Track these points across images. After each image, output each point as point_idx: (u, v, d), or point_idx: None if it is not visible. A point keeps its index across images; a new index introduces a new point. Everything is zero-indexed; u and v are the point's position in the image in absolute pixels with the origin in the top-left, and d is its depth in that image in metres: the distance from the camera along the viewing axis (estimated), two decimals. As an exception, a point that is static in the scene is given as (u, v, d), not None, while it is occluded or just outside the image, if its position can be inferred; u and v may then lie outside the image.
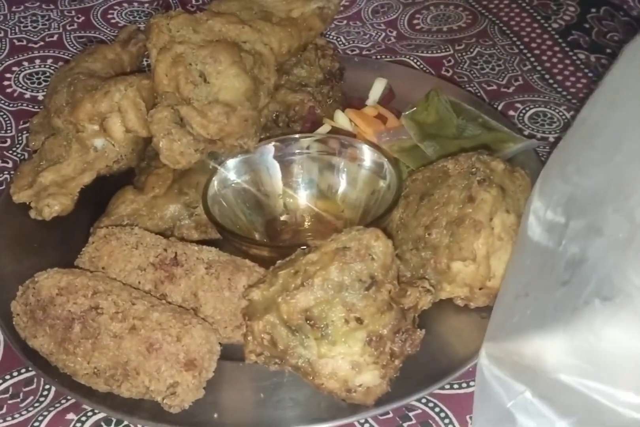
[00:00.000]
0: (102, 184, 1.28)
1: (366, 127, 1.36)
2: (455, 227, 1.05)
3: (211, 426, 0.99)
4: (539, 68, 1.65)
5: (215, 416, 0.99)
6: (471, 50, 1.70)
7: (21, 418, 1.05)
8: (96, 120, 1.23)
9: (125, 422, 1.03)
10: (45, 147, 1.30)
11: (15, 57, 1.74)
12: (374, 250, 0.96)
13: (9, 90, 1.66)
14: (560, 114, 1.53)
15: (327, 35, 1.74)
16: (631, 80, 0.91)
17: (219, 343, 1.01)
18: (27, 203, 1.26)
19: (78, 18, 1.86)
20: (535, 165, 1.27)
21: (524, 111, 1.54)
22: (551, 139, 1.47)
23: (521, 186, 1.11)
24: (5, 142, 1.53)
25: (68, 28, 1.83)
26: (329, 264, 0.94)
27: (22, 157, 1.49)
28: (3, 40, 1.79)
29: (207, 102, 1.18)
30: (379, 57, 1.69)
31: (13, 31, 1.81)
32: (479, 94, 1.58)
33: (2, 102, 1.63)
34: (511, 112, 1.53)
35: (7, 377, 1.11)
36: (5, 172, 1.45)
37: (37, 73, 1.70)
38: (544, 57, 1.67)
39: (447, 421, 1.02)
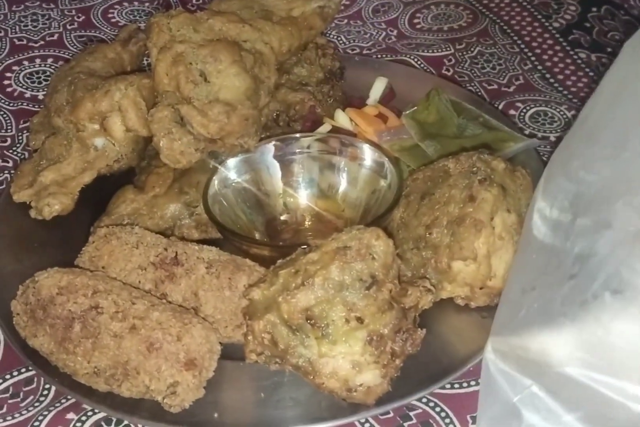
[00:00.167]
0: (102, 183, 1.28)
1: (367, 127, 1.36)
2: (456, 226, 1.05)
3: (211, 425, 0.99)
4: (539, 67, 1.65)
5: (216, 415, 0.99)
6: (472, 49, 1.70)
7: (21, 418, 1.05)
8: (96, 120, 1.23)
9: (126, 422, 1.03)
10: (46, 146, 1.29)
11: (16, 56, 1.74)
12: (375, 249, 0.95)
13: (9, 89, 1.66)
14: (561, 113, 1.52)
15: (328, 35, 1.75)
16: (633, 76, 0.91)
17: (220, 342, 1.01)
18: (28, 202, 1.26)
19: (78, 17, 1.86)
20: (536, 164, 1.27)
21: (524, 110, 1.53)
22: (552, 138, 1.47)
23: (522, 185, 1.11)
24: (6, 141, 1.53)
25: (68, 27, 1.83)
26: (329, 263, 0.94)
27: (23, 157, 1.49)
28: (3, 39, 1.79)
29: (208, 101, 1.18)
30: (379, 56, 1.69)
31: (13, 30, 1.81)
32: (479, 93, 1.58)
33: (3, 101, 1.63)
34: (512, 112, 1.53)
35: (7, 376, 1.11)
36: (6, 172, 1.45)
37: (37, 72, 1.70)
38: (545, 56, 1.67)
39: (447, 420, 1.02)
